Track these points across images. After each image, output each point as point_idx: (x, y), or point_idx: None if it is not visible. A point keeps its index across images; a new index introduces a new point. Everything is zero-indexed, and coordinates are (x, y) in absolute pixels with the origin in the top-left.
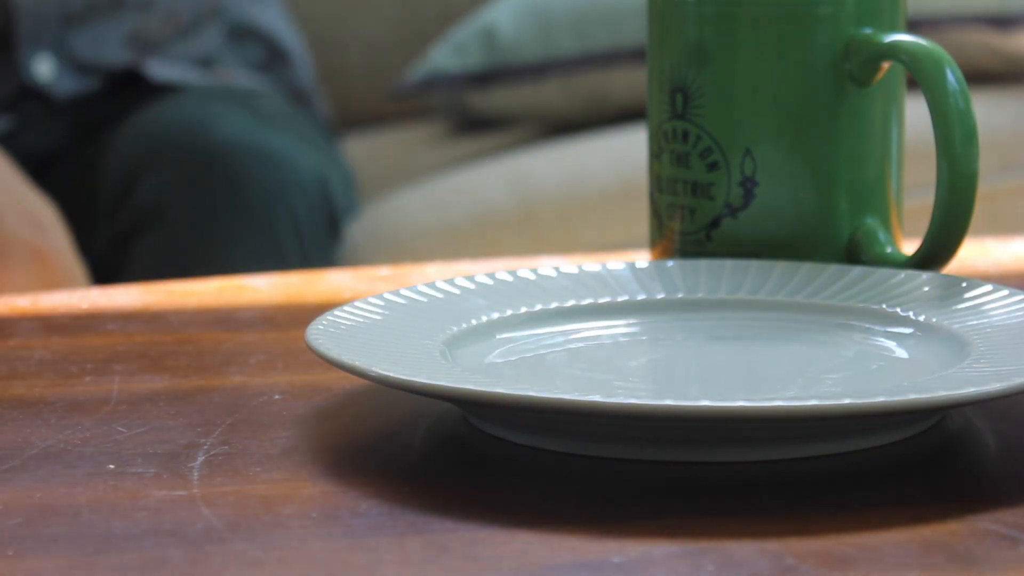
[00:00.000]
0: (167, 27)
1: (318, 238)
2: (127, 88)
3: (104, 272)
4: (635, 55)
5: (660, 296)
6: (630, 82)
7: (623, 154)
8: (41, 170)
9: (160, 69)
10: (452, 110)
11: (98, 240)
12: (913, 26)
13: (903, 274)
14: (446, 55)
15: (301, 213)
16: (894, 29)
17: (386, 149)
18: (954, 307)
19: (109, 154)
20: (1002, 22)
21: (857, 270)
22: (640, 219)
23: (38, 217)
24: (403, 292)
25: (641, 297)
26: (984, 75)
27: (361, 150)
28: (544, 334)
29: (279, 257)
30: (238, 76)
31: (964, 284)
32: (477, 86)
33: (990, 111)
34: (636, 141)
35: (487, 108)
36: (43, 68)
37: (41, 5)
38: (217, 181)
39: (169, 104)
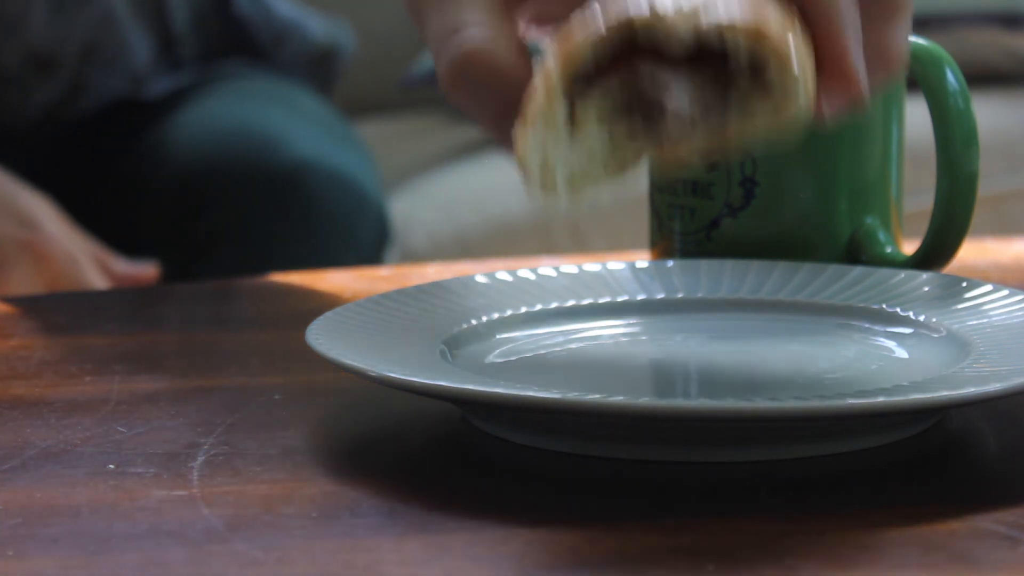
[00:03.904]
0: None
1: (373, 263)
2: (117, 116)
3: None
4: None
5: (660, 296)
6: None
7: None
8: (40, 177)
9: (149, 91)
10: None
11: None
12: (922, 25)
13: (903, 274)
14: None
15: (364, 240)
16: None
17: (393, 139)
18: (954, 307)
19: (152, 166)
20: (1012, 21)
21: (857, 270)
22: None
23: (27, 213)
24: (403, 292)
25: (641, 297)
26: (994, 74)
27: (367, 140)
28: (544, 334)
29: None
30: (230, 64)
31: (964, 284)
32: None
33: (999, 112)
34: None
35: None
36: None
37: None
38: (289, 204)
39: (221, 110)
